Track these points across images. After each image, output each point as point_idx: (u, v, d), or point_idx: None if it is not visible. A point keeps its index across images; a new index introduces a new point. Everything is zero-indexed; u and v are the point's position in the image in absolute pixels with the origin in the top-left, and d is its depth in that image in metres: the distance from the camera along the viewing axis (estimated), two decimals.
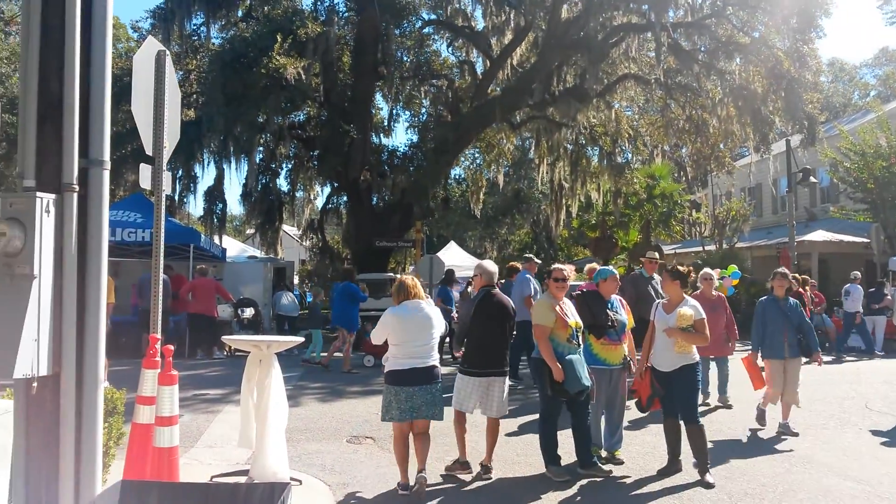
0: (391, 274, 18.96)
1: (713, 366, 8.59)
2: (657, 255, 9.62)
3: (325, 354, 12.18)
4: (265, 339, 5.38)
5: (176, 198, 18.42)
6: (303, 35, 15.94)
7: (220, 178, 19.27)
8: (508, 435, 6.92)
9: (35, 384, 2.98)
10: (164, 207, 4.50)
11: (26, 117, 3.12)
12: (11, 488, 3.11)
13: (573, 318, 5.57)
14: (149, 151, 4.46)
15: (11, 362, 2.85)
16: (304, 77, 15.57)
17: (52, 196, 3.05)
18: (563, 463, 5.63)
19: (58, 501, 3.00)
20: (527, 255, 13.04)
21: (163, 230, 4.45)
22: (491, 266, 5.97)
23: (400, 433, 5.21)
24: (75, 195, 3.12)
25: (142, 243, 13.32)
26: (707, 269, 8.92)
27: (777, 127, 19.70)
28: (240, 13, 18.80)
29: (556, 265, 5.97)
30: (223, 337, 7.00)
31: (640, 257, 10.23)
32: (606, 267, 6.62)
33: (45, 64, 3.15)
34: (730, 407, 8.27)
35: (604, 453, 5.99)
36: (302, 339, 5.85)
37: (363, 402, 8.72)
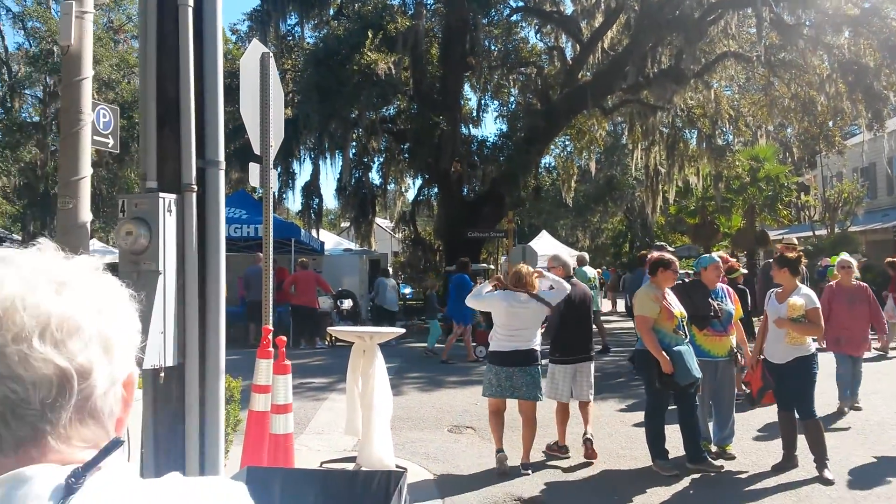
0: (484, 265, 18.96)
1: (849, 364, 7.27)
2: (794, 240, 9.05)
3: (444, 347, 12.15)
4: (369, 331, 5.49)
5: (276, 194, 19.13)
6: (392, 30, 16.14)
7: (315, 174, 19.85)
8: (613, 429, 6.80)
9: (162, 374, 3.15)
10: (272, 204, 4.65)
11: (147, 122, 3.29)
12: (141, 472, 3.31)
13: (678, 308, 5.39)
14: (257, 151, 4.62)
15: (141, 353, 3.03)
16: (394, 71, 15.76)
17: (173, 196, 3.21)
18: (670, 457, 5.48)
19: None
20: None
21: (271, 226, 4.61)
22: (567, 257, 6.30)
23: (496, 408, 5.57)
24: (194, 195, 3.26)
25: (247, 238, 13.92)
26: (845, 256, 8.04)
27: (892, 103, 18.32)
28: (331, 12, 19.23)
29: (660, 253, 5.80)
30: (330, 328, 7.20)
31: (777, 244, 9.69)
32: (709, 255, 6.38)
33: (162, 70, 3.31)
34: (859, 409, 7.37)
35: (714, 448, 5.78)
36: (403, 331, 5.95)
37: (462, 392, 8.78)
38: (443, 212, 21.89)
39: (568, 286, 5.69)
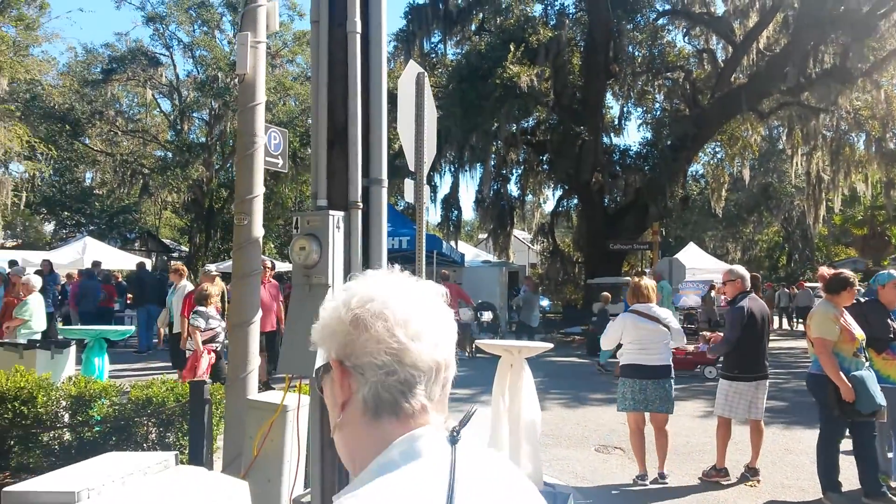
0: (626, 278, 18.41)
1: None
2: None
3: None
4: (517, 345, 5.48)
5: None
6: (534, 42, 16.15)
7: (455, 186, 20.24)
8: (777, 456, 6.35)
9: None
10: (424, 219, 4.78)
11: (318, 143, 3.50)
12: (309, 474, 3.49)
13: (858, 330, 4.94)
14: (412, 167, 4.77)
15: (312, 362, 3.20)
16: (536, 83, 15.75)
17: (341, 213, 3.38)
18: (843, 490, 5.02)
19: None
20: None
21: (424, 240, 4.73)
22: (744, 270, 5.95)
23: (635, 425, 5.60)
24: (360, 211, 3.42)
25: (391, 250, 14.38)
26: None
27: None
28: (473, 27, 19.58)
29: (839, 270, 5.35)
30: (479, 342, 7.27)
31: None
32: (887, 271, 5.80)
33: (332, 95, 3.51)
34: None
35: (893, 483, 5.23)
36: (551, 346, 5.88)
37: (608, 411, 8.54)
38: (583, 223, 21.55)
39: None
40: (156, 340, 14.97)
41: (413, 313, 1.00)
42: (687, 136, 17.74)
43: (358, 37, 3.46)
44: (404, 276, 1.08)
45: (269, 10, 4.70)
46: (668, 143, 18.85)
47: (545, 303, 24.12)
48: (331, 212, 3.34)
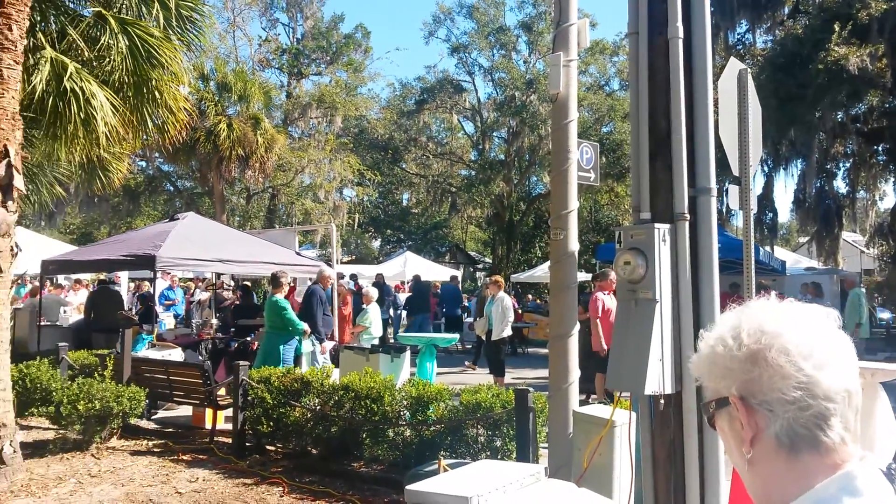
0: None
1: None
2: None
3: None
4: (870, 367, 4.78)
5: (723, 210, 18.37)
6: (863, 18, 14.06)
7: (769, 186, 18.47)
8: None
9: (662, 401, 3.23)
10: (752, 227, 4.43)
11: (639, 155, 3.45)
12: (639, 494, 3.43)
13: None
14: (735, 171, 4.46)
15: (642, 380, 3.15)
16: (868, 64, 13.69)
17: (667, 226, 3.28)
18: None
19: None
20: None
21: (752, 247, 4.37)
22: None
23: None
24: (686, 223, 3.29)
25: None
26: None
27: None
28: (786, 11, 17.75)
29: None
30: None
31: None
32: None
33: (653, 104, 3.44)
34: None
35: None
36: None
37: None
38: None
39: None
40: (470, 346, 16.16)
41: (814, 342, 0.97)
42: None
43: (680, 42, 3.35)
44: (783, 301, 1.05)
45: (579, 27, 4.79)
46: None
47: (886, 315, 20.84)
48: (656, 225, 3.27)
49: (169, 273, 15.99)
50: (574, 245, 4.67)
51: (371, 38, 33.50)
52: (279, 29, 32.63)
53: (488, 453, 5.02)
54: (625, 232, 3.41)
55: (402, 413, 5.75)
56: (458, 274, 25.18)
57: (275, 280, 8.71)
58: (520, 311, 17.52)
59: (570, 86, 4.74)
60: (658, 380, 3.18)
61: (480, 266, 37.92)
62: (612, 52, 30.09)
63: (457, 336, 10.44)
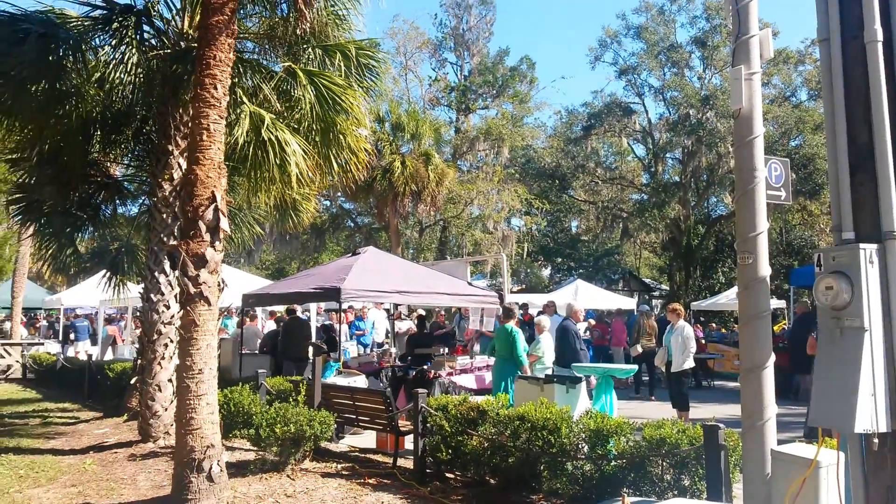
0: None
1: None
2: None
3: None
4: None
5: None
6: None
7: None
8: None
9: (875, 440, 2.89)
10: None
11: (838, 170, 3.16)
12: None
13: None
14: None
15: (851, 416, 2.85)
16: None
17: (874, 246, 2.97)
18: None
19: None
20: None
21: None
22: None
23: None
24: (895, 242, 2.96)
25: None
26: None
27: None
28: None
29: None
30: None
31: None
32: None
33: (850, 114, 3.15)
34: None
35: None
36: None
37: None
38: None
39: None
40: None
41: None
42: None
43: (879, 46, 3.05)
44: None
45: (761, 38, 4.51)
46: None
47: None
48: (861, 245, 2.97)
49: (363, 306, 17.00)
50: (765, 270, 4.35)
51: (536, 68, 33.89)
52: (447, 68, 34.04)
53: (675, 492, 4.75)
54: (825, 254, 3.13)
55: (580, 446, 5.62)
56: (633, 302, 24.33)
57: (507, 312, 9.57)
58: (703, 342, 16.56)
59: (753, 99, 4.47)
60: (870, 416, 2.86)
61: (656, 294, 36.40)
62: (797, 60, 28.02)
63: (635, 367, 10.05)
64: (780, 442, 4.07)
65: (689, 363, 9.46)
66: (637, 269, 40.56)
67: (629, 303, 21.79)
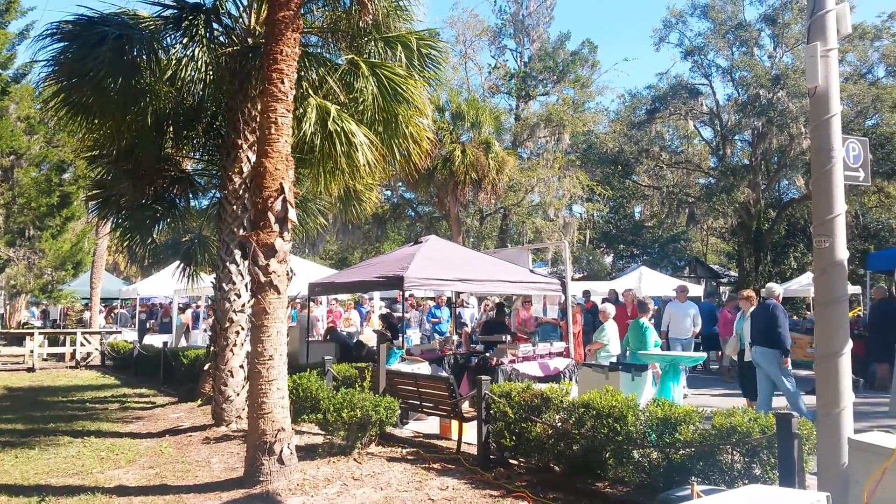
0: None
1: None
2: None
3: None
4: None
5: None
6: None
7: None
8: None
9: None
10: None
11: None
12: None
13: None
14: None
15: None
16: None
17: None
18: None
19: None
20: None
21: None
22: None
23: None
24: None
25: None
26: None
27: None
28: None
29: None
30: None
31: None
32: None
33: None
34: None
35: None
36: None
37: None
38: None
39: None
40: (716, 367, 15.13)
41: None
42: None
43: None
44: None
45: (838, 13, 4.33)
46: None
47: None
48: None
49: (439, 294, 17.06)
50: (842, 253, 4.20)
51: (598, 52, 33.21)
52: (507, 55, 33.74)
53: (746, 481, 4.64)
54: None
55: (647, 434, 5.54)
56: (700, 288, 23.74)
57: (641, 305, 9.64)
58: None
59: (829, 77, 4.30)
60: None
61: (724, 280, 35.38)
62: (873, 35, 26.61)
63: (703, 355, 9.81)
64: (855, 431, 3.93)
65: None
66: (704, 255, 39.50)
67: (696, 289, 21.27)
